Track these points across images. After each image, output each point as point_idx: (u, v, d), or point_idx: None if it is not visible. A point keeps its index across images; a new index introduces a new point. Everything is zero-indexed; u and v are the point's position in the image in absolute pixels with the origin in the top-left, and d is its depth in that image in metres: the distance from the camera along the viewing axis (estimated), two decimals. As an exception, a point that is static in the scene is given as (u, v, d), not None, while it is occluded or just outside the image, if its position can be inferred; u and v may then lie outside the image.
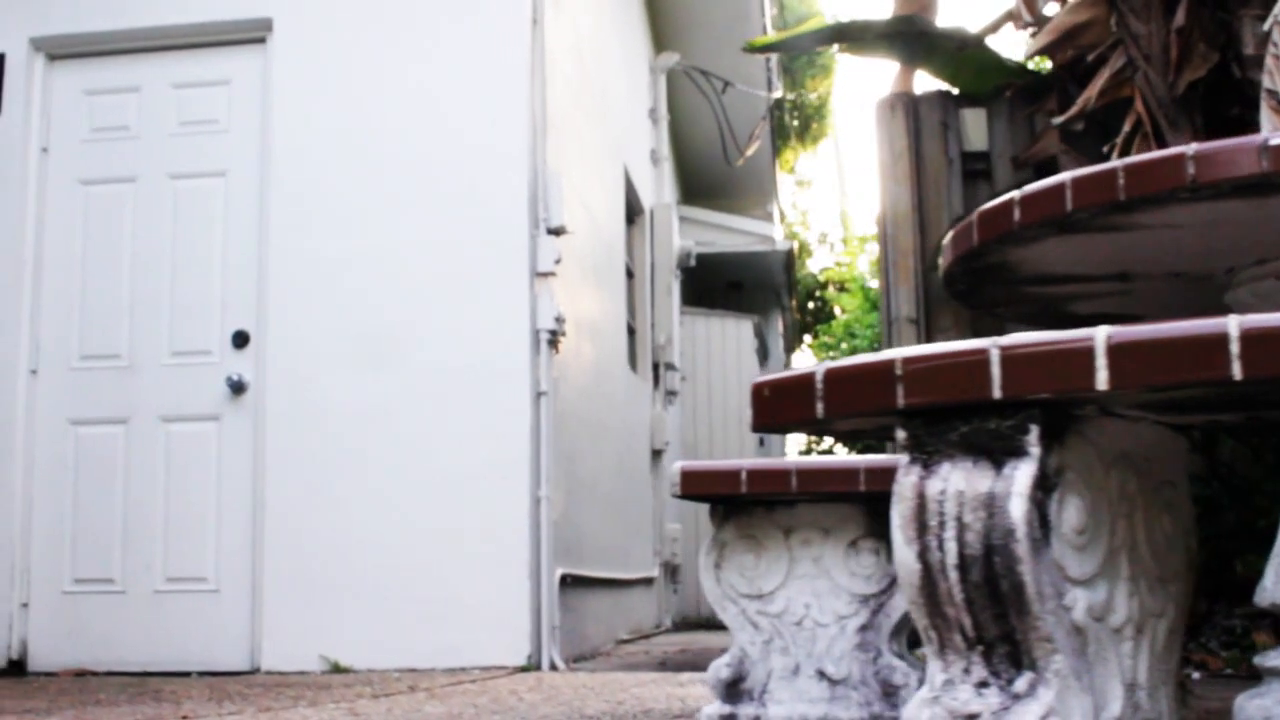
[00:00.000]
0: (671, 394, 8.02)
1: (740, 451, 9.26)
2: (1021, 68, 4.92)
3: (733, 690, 2.33)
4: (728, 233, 9.41)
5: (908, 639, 2.34)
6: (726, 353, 9.18)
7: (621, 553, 6.45)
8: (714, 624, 9.22)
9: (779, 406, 1.42)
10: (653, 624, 7.42)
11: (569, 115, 5.39)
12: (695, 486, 2.24)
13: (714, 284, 9.87)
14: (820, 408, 1.39)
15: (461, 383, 4.55)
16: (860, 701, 2.25)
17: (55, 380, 4.84)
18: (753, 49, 5.02)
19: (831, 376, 1.39)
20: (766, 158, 9.62)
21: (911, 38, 4.96)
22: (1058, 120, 4.25)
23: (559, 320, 4.71)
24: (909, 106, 4.92)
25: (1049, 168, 4.80)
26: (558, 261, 4.71)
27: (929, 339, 4.83)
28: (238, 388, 4.69)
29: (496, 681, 3.96)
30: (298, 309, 4.67)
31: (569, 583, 4.91)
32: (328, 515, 4.55)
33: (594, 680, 4.00)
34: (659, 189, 8.01)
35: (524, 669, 4.38)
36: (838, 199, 24.03)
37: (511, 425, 4.52)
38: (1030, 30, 4.42)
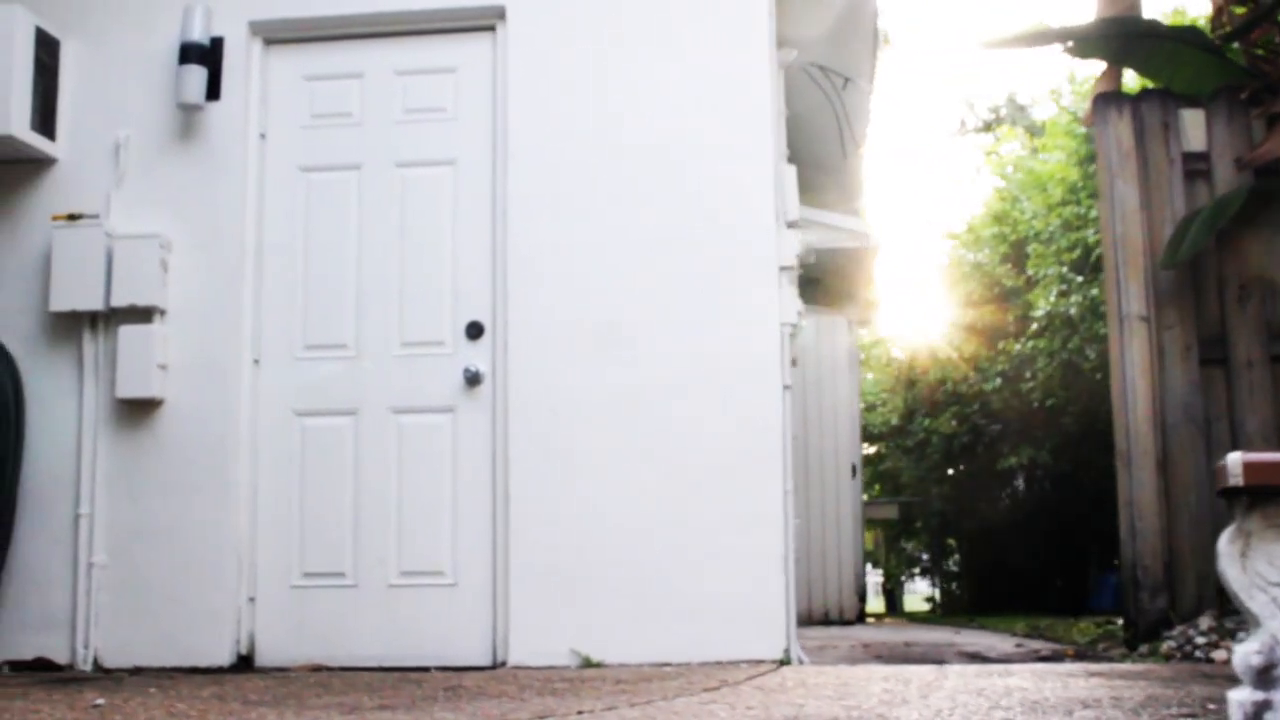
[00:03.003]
0: (787, 388, 8.00)
1: (835, 447, 9.30)
2: (1243, 69, 4.99)
3: (1264, 677, 2.35)
4: (816, 227, 9.40)
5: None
6: (822, 348, 9.21)
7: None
8: (829, 620, 9.25)
9: None
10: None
11: (771, 108, 5.38)
12: (1261, 477, 2.25)
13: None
14: None
15: (710, 376, 4.53)
16: (1407, 689, 2.27)
17: (279, 371, 4.76)
18: (990, 47, 5.04)
19: None
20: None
21: (1131, 38, 5.02)
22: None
23: (799, 314, 4.71)
24: (1133, 106, 4.97)
25: (1273, 169, 4.89)
26: (798, 255, 4.71)
27: (1158, 336, 4.89)
28: (474, 379, 4.63)
29: (778, 675, 3.93)
30: (539, 300, 4.62)
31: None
32: (573, 508, 4.51)
33: (887, 673, 3.99)
34: (778, 184, 8.00)
35: (782, 663, 4.37)
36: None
37: (765, 418, 4.51)
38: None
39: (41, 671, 4.52)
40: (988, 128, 18.96)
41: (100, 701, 3.33)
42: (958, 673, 4.02)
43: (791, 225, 4.73)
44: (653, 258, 4.60)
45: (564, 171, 4.68)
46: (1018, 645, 5.92)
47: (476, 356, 4.66)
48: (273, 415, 4.73)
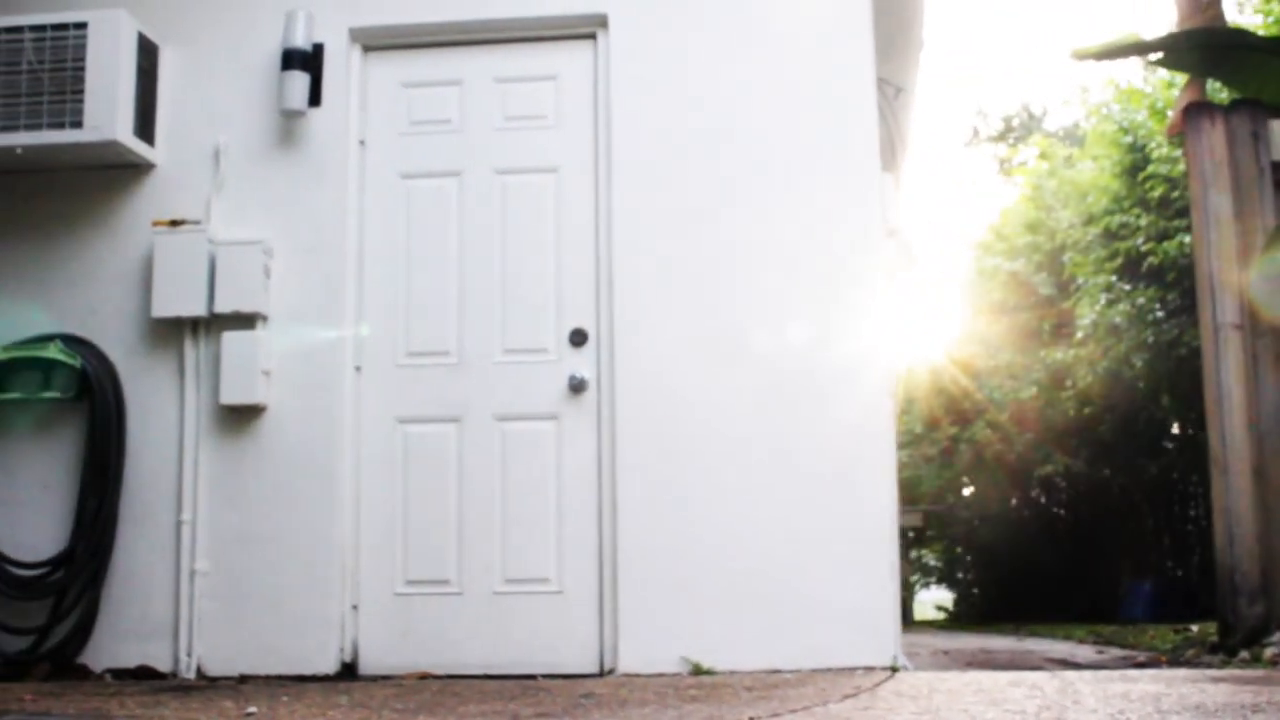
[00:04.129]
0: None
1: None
2: (1331, 80, 5.04)
3: None
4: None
5: None
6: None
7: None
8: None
9: None
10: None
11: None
12: None
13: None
14: None
15: (817, 383, 4.54)
16: None
17: (381, 377, 4.75)
18: (1080, 57, 5.07)
19: None
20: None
21: (1219, 49, 5.05)
22: None
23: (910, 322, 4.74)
24: (1224, 117, 5.02)
25: (1364, 179, 4.94)
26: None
27: (1252, 345, 4.94)
28: (578, 386, 4.63)
29: (904, 681, 3.95)
30: (643, 308, 4.63)
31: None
32: (682, 515, 4.51)
33: (1009, 679, 4.01)
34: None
35: (893, 669, 4.38)
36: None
37: (872, 425, 4.53)
38: None
39: (145, 679, 4.50)
40: (1001, 136, 19.07)
41: (252, 710, 3.32)
42: (1078, 679, 4.04)
43: (891, 234, 4.76)
44: (760, 265, 4.62)
45: (669, 179, 4.69)
46: (1099, 652, 5.95)
47: (581, 364, 4.66)
48: (375, 422, 4.72)
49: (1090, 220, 9.77)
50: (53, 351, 4.67)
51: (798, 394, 4.55)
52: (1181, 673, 4.21)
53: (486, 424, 4.68)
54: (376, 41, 4.91)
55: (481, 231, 4.79)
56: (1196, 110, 5.04)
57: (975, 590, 15.66)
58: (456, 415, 4.70)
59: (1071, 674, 4.25)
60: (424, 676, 4.48)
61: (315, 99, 4.80)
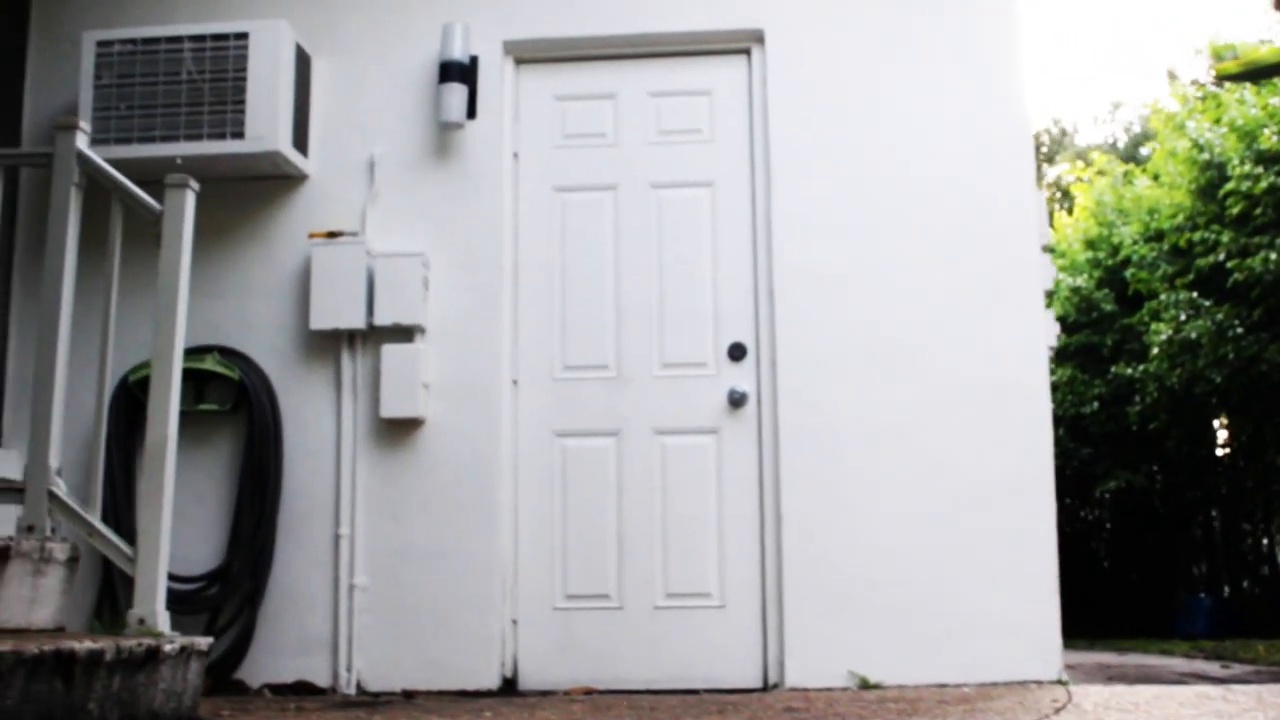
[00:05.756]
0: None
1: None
2: None
3: None
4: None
5: None
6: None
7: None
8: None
9: None
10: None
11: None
12: None
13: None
14: None
15: (979, 397, 4.55)
16: None
17: (538, 391, 4.74)
18: (1221, 75, 5.12)
19: None
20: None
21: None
22: None
23: (1058, 336, 4.76)
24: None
25: None
26: (1056, 280, 4.76)
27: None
28: (738, 400, 4.63)
29: (1095, 693, 3.94)
30: (803, 322, 4.63)
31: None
32: (846, 528, 4.51)
33: (1192, 694, 4.01)
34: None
35: (1060, 683, 4.38)
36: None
37: (1034, 440, 4.54)
38: None
39: (305, 695, 4.47)
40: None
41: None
42: (1263, 691, 4.04)
43: (1046, 250, 4.78)
44: (921, 281, 4.63)
45: (828, 193, 4.70)
46: (1224, 667, 5.97)
47: (740, 378, 4.66)
48: (533, 436, 4.71)
49: (1159, 237, 9.84)
50: (210, 363, 4.64)
51: (959, 406, 4.56)
52: (1362, 688, 4.22)
53: (646, 438, 4.67)
54: (529, 54, 4.92)
55: (637, 245, 4.79)
56: (1338, 129, 5.09)
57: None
58: (615, 429, 4.69)
59: (1249, 687, 4.26)
60: (588, 692, 4.46)
61: (471, 111, 4.79)
